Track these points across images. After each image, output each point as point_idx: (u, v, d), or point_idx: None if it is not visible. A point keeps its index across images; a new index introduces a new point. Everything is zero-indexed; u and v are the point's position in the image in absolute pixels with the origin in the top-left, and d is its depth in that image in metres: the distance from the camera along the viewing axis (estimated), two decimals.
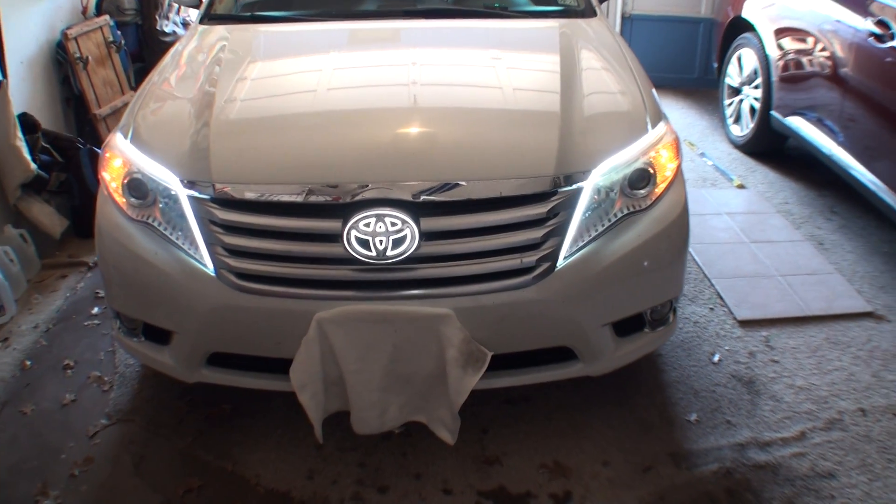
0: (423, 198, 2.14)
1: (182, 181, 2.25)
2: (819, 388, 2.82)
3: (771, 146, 4.83)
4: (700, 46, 6.15)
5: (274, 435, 2.59)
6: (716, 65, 5.35)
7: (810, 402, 2.76)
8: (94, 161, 3.88)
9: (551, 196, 2.22)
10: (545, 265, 2.21)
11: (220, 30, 3.17)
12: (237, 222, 2.20)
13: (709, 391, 2.81)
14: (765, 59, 4.55)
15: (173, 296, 2.28)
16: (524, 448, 2.54)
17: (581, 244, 2.26)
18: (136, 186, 2.35)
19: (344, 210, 2.15)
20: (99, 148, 4.00)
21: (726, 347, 3.04)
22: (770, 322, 3.19)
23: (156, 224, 2.32)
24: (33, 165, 3.58)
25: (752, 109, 4.83)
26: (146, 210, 2.34)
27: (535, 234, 2.20)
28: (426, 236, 2.15)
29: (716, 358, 2.98)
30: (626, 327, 2.44)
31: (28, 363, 3.00)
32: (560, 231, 2.23)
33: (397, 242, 2.13)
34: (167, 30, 4.98)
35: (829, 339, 3.10)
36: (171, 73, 2.88)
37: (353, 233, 2.12)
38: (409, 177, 2.16)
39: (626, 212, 2.33)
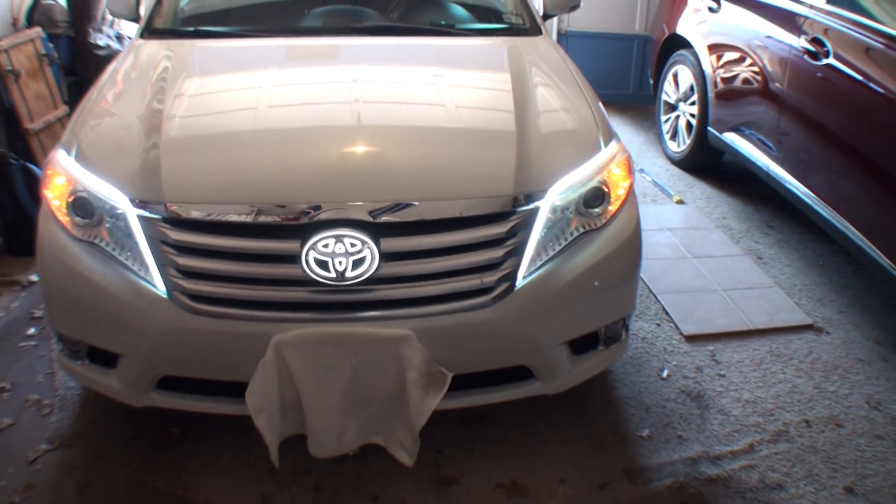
0: (383, 218, 2.11)
1: (132, 200, 2.18)
2: (765, 401, 2.89)
3: (707, 162, 4.96)
4: (635, 63, 6.28)
5: (225, 459, 2.52)
6: (651, 81, 5.47)
7: (757, 414, 2.82)
8: (27, 177, 3.73)
9: (510, 216, 2.22)
10: (504, 285, 2.21)
11: (161, 45, 3.09)
12: (191, 243, 2.13)
13: (659, 406, 2.84)
14: (701, 76, 4.66)
15: (122, 318, 2.20)
16: (480, 468, 2.52)
17: (539, 263, 2.26)
18: (82, 205, 2.26)
19: (302, 230, 2.11)
20: (31, 163, 3.87)
21: (674, 363, 3.09)
22: (715, 336, 3.26)
23: (102, 244, 2.23)
24: None
25: (689, 125, 4.94)
26: (92, 230, 2.25)
27: (495, 253, 2.20)
28: (386, 257, 2.13)
29: (665, 373, 3.03)
30: (581, 345, 2.46)
31: None
32: (518, 251, 2.23)
33: (357, 263, 2.10)
34: (101, 43, 4.83)
35: (772, 352, 3.18)
36: (113, 89, 2.78)
37: (312, 254, 2.08)
38: (366, 197, 2.13)
39: (581, 230, 2.34)
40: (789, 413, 2.83)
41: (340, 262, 2.08)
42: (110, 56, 4.70)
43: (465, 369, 2.27)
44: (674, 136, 5.20)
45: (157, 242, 2.15)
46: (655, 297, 3.53)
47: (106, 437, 2.60)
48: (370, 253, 2.09)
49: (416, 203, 2.14)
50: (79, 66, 4.85)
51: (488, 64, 3.10)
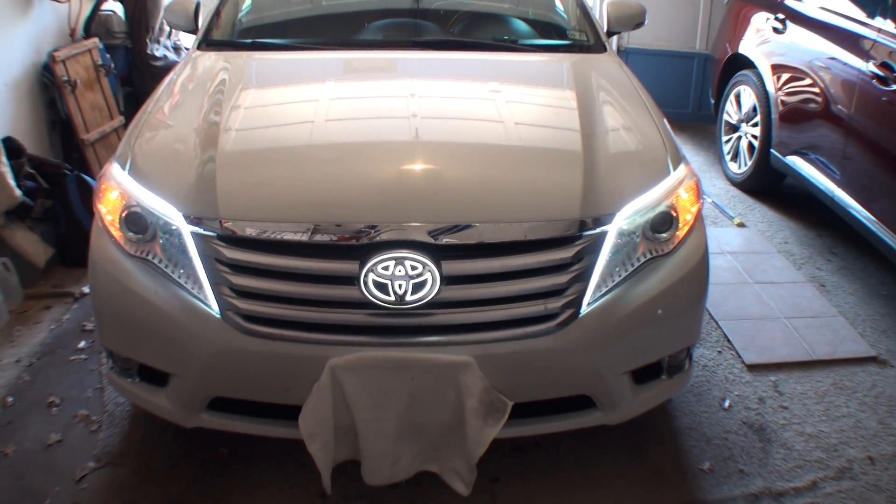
0: (444, 240, 2.03)
1: (186, 217, 2.12)
2: (828, 436, 2.75)
3: (769, 184, 4.80)
4: (694, 81, 6.14)
5: (275, 481, 2.45)
6: (713, 101, 5.32)
7: (820, 450, 2.69)
8: (82, 188, 3.72)
9: (576, 240, 2.12)
10: (569, 312, 2.11)
11: (218, 57, 3.05)
12: (246, 261, 2.07)
13: (721, 438, 2.72)
14: (764, 97, 4.52)
15: (174, 337, 2.14)
16: (536, 499, 2.42)
17: (604, 290, 2.16)
18: (135, 220, 2.21)
19: (361, 251, 2.04)
20: (86, 174, 3.86)
21: (736, 392, 2.96)
22: (777, 366, 3.12)
23: (155, 260, 2.18)
24: (18, 192, 3.43)
25: (751, 147, 4.80)
26: (145, 245, 2.20)
27: (560, 279, 2.10)
28: (447, 280, 2.04)
29: (726, 403, 2.90)
30: (644, 374, 2.35)
31: (10, 400, 2.83)
32: (584, 276, 2.13)
33: (417, 287, 2.01)
34: (158, 54, 4.84)
35: (835, 385, 3.03)
36: (169, 101, 2.75)
37: (371, 276, 2.00)
38: (425, 217, 2.06)
39: (648, 256, 2.24)
40: (853, 449, 2.70)
41: (400, 286, 2.00)
42: (167, 67, 4.72)
43: (526, 398, 2.18)
44: (735, 157, 5.05)
45: (210, 260, 2.10)
46: (717, 323, 3.39)
47: (154, 456, 2.55)
48: (431, 276, 2.01)
49: (479, 225, 2.06)
50: (136, 77, 4.87)
51: (552, 81, 3.01)
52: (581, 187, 2.19)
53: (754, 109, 4.70)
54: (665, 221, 2.27)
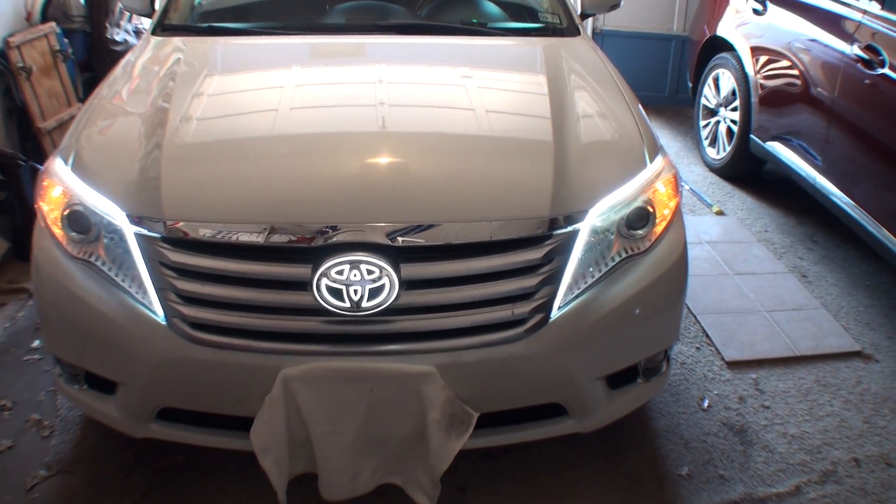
0: (404, 242, 1.87)
1: (129, 216, 1.95)
2: (812, 437, 2.63)
3: (748, 170, 4.65)
4: (672, 64, 5.96)
5: (232, 492, 2.30)
6: (690, 84, 5.16)
7: (804, 451, 2.57)
8: (37, 179, 3.52)
9: (546, 240, 1.97)
10: (538, 316, 1.96)
11: (174, 42, 2.87)
12: (192, 265, 1.91)
13: (699, 441, 2.59)
14: (744, 81, 4.36)
15: (119, 345, 1.98)
16: None
17: (577, 292, 2.01)
18: (77, 220, 2.04)
19: (313, 254, 1.87)
20: (42, 164, 3.65)
21: (715, 392, 2.83)
22: (758, 363, 2.99)
23: (99, 263, 2.01)
24: None
25: (730, 132, 4.65)
26: (88, 247, 2.03)
27: (529, 282, 1.95)
28: (406, 285, 1.88)
29: (705, 403, 2.77)
30: (619, 379, 2.20)
31: None
32: (554, 278, 1.98)
33: (374, 292, 1.85)
34: (118, 38, 4.61)
35: (819, 382, 2.91)
36: (116, 90, 2.56)
37: (325, 281, 1.84)
38: (386, 217, 1.89)
39: (624, 255, 2.09)
40: (837, 450, 2.58)
41: (356, 291, 1.84)
42: (127, 51, 4.47)
43: (493, 407, 2.04)
44: (713, 142, 4.90)
45: (155, 264, 1.93)
46: (695, 318, 3.26)
47: (107, 465, 2.39)
48: (389, 280, 1.85)
49: (442, 225, 1.90)
50: (95, 63, 4.64)
51: (523, 66, 2.84)
52: (551, 182, 2.03)
53: (733, 93, 4.54)
54: (641, 217, 2.12)
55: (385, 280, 1.85)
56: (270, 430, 1.90)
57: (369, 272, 1.84)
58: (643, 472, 2.45)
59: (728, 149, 4.62)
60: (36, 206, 2.18)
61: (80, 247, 2.04)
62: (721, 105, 4.73)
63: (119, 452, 2.43)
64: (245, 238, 1.88)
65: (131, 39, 4.66)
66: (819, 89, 3.68)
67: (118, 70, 2.71)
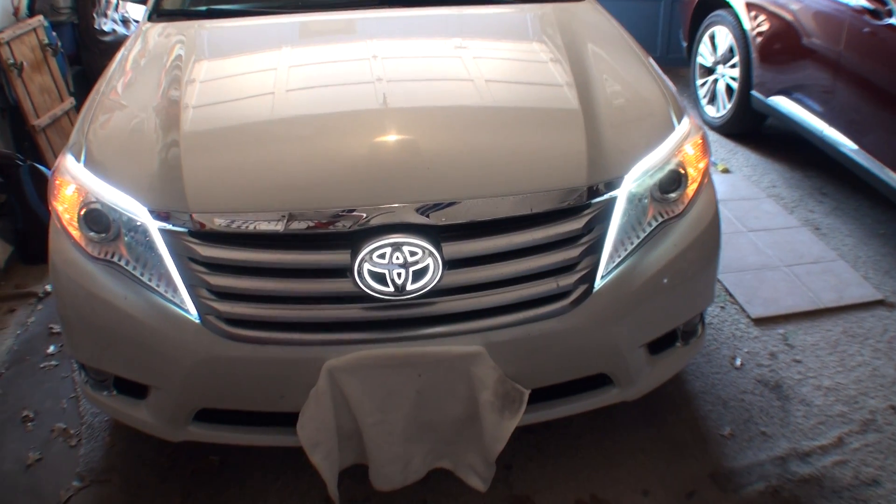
0: (444, 220, 1.76)
1: (151, 211, 1.82)
2: (847, 388, 2.57)
3: (750, 127, 4.53)
4: (662, 23, 5.78)
5: (273, 489, 2.20)
6: (685, 44, 5.03)
7: (841, 403, 2.51)
8: (36, 178, 3.38)
9: (585, 209, 1.87)
10: (582, 287, 1.87)
11: (172, 27, 2.71)
12: (224, 259, 1.79)
13: (737, 400, 2.52)
14: (742, 37, 4.24)
15: (150, 347, 1.86)
16: (555, 483, 2.21)
17: (617, 260, 1.92)
18: (96, 218, 1.91)
19: (351, 239, 1.76)
20: (40, 162, 3.51)
21: (746, 349, 2.75)
22: (784, 318, 2.92)
23: (122, 262, 1.88)
24: None
25: (729, 89, 4.53)
26: (109, 246, 1.90)
27: (571, 253, 1.85)
28: (449, 264, 1.78)
29: (738, 362, 2.69)
30: (659, 344, 2.12)
31: None
32: (596, 248, 1.88)
33: (418, 274, 1.75)
34: (106, 28, 4.41)
35: (846, 332, 2.84)
36: (122, 79, 2.41)
37: (366, 266, 1.73)
38: (424, 196, 1.78)
39: (660, 220, 1.99)
40: (873, 399, 2.52)
41: (399, 274, 1.73)
42: (117, 42, 4.32)
43: (541, 383, 1.95)
44: (711, 100, 4.77)
45: (184, 259, 1.81)
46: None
47: (141, 471, 2.28)
48: (433, 261, 1.74)
49: (480, 200, 1.79)
50: (84, 55, 4.44)
51: (532, 33, 2.70)
52: (585, 150, 1.93)
53: (731, 50, 4.42)
54: (674, 180, 2.02)
55: (428, 261, 1.74)
56: (318, 424, 1.80)
57: (412, 254, 1.73)
58: (685, 435, 2.38)
59: (728, 106, 4.51)
60: (49, 206, 2.05)
61: (99, 247, 1.91)
62: (718, 63, 4.60)
63: (151, 457, 2.32)
64: (278, 227, 1.76)
65: (120, 29, 4.46)
66: (824, 42, 3.56)
67: (118, 61, 2.55)
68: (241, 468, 2.27)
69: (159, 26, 2.75)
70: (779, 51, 3.96)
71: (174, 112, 2.06)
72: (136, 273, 1.86)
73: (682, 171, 2.04)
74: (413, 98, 2.17)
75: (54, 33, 4.01)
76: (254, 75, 2.36)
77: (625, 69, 2.39)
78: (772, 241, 3.43)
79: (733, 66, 4.40)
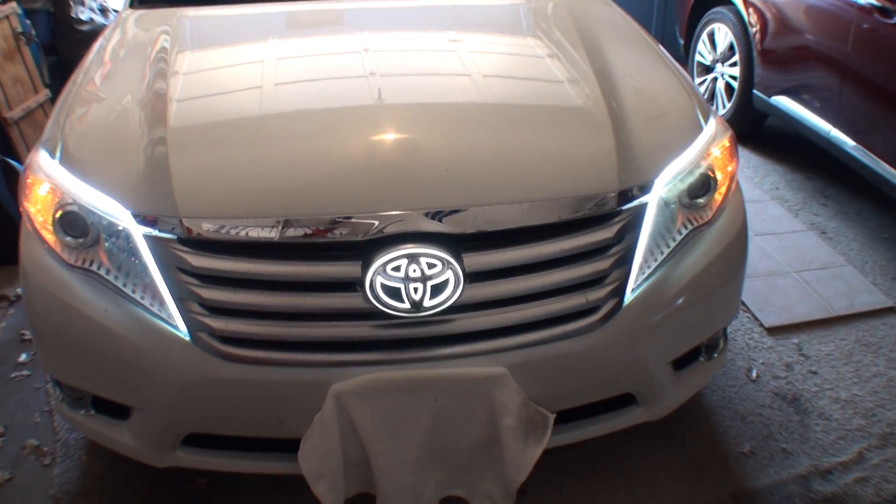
0: (465, 228, 1.56)
1: (135, 215, 1.60)
2: (864, 400, 2.43)
3: (750, 127, 4.34)
4: (655, 20, 5.59)
5: None
6: (682, 41, 4.84)
7: (859, 416, 2.36)
8: (8, 174, 3.11)
9: (616, 216, 1.68)
10: (612, 302, 1.68)
11: (156, 14, 2.48)
12: (218, 270, 1.57)
13: (755, 414, 2.36)
14: (744, 35, 4.05)
15: (133, 365, 1.64)
16: None
17: (647, 272, 1.74)
18: (72, 222, 1.68)
19: (362, 249, 1.55)
20: (11, 157, 3.24)
21: (761, 360, 2.59)
22: (797, 327, 2.76)
23: (102, 271, 1.66)
24: None
25: (729, 88, 4.35)
26: (86, 252, 1.68)
27: (601, 264, 1.66)
28: (470, 278, 1.57)
29: (753, 374, 2.53)
30: (683, 360, 1.94)
31: None
32: (626, 259, 1.70)
33: (436, 289, 1.54)
34: (83, 17, 4.13)
35: (859, 342, 2.70)
36: (101, 70, 2.18)
37: (379, 279, 1.52)
38: (442, 202, 1.58)
39: (689, 227, 1.81)
40: (890, 412, 2.39)
41: (416, 289, 1.53)
42: (94, 32, 4.05)
43: (564, 405, 1.76)
44: (710, 99, 4.57)
45: (172, 269, 1.59)
46: None
47: (121, 494, 2.06)
48: (453, 274, 1.54)
49: (504, 206, 1.59)
50: (60, 45, 4.15)
51: (546, 26, 2.47)
52: (615, 152, 1.74)
53: (731, 48, 4.24)
54: (703, 185, 1.84)
55: (448, 274, 1.53)
56: (323, 453, 1.59)
57: (430, 266, 1.52)
58: (705, 453, 2.21)
59: (728, 105, 4.32)
60: (21, 206, 1.81)
61: (76, 253, 1.69)
62: (718, 61, 4.42)
63: (132, 478, 2.10)
64: (277, 234, 1.55)
65: (98, 18, 4.18)
66: (829, 40, 3.40)
67: (97, 50, 2.31)
68: (231, 492, 2.05)
69: (141, 13, 2.52)
70: (782, 50, 3.78)
71: (160, 106, 1.83)
72: (118, 283, 1.64)
73: (712, 175, 1.85)
74: (426, 95, 1.97)
75: (28, 21, 3.72)
76: (245, 67, 2.14)
77: (646, 65, 2.20)
78: (779, 245, 3.26)
79: (733, 64, 4.22)
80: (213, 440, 1.75)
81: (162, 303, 1.60)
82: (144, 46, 2.22)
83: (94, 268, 1.67)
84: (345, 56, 2.17)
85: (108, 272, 1.65)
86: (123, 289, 1.63)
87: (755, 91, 3.99)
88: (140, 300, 1.62)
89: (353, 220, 1.54)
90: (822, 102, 3.51)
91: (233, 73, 2.10)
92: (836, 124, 3.42)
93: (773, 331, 2.74)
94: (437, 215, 1.55)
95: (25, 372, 2.53)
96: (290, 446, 1.66)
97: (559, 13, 2.50)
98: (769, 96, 3.88)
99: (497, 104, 1.92)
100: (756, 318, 2.78)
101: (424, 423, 1.60)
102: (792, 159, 4.19)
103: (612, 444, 2.21)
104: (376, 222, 1.53)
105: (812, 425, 2.33)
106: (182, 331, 1.59)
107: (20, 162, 3.25)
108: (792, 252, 3.22)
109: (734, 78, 4.23)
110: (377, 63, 2.06)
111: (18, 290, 2.93)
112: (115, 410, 1.79)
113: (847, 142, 3.34)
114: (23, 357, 2.60)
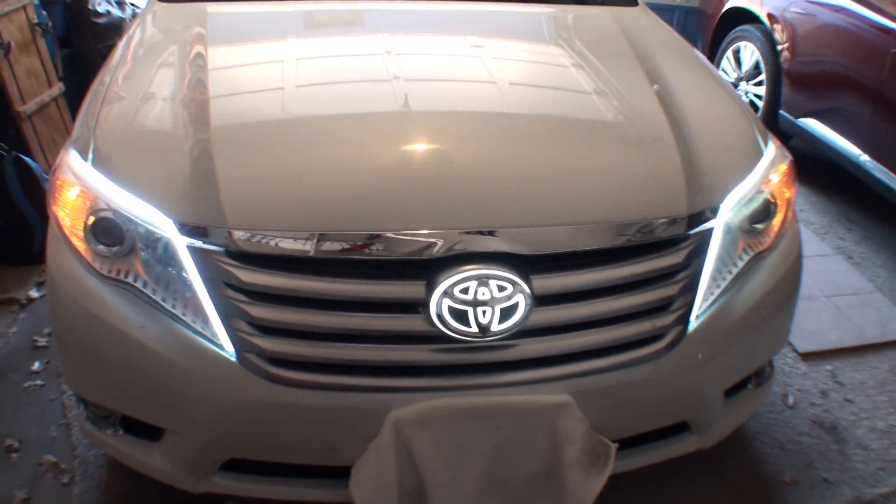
0: (537, 249, 1.46)
1: (178, 225, 1.49)
2: None
3: None
4: None
5: None
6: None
7: None
8: (21, 171, 2.98)
9: (685, 240, 1.59)
10: (677, 329, 1.59)
11: (189, 8, 2.36)
12: (269, 286, 1.46)
13: (794, 443, 2.29)
14: (772, 54, 3.97)
15: (171, 387, 1.52)
16: None
17: (711, 299, 1.65)
18: (106, 229, 1.56)
19: (426, 269, 1.45)
20: (25, 153, 3.10)
21: (796, 387, 2.51)
22: (831, 353, 2.70)
23: (138, 283, 1.53)
24: None
25: (754, 107, 4.27)
26: (121, 262, 1.55)
27: (669, 290, 1.58)
28: (537, 301, 1.47)
29: (790, 400, 2.45)
30: (733, 387, 1.85)
31: None
32: (692, 285, 1.61)
33: (505, 312, 1.44)
34: (100, 9, 3.97)
35: (892, 371, 2.64)
36: (134, 66, 2.05)
37: (446, 301, 1.42)
38: (514, 220, 1.48)
39: (749, 254, 1.73)
40: None
41: (484, 312, 1.42)
42: (111, 24, 3.91)
43: (623, 434, 1.67)
44: None
45: (218, 284, 1.48)
46: None
47: None
48: (523, 297, 1.44)
49: (574, 227, 1.50)
50: (75, 37, 3.98)
51: (603, 43, 2.34)
52: (683, 173, 1.65)
53: (756, 67, 4.16)
54: (764, 210, 1.76)
55: (518, 297, 1.43)
56: (379, 484, 1.48)
57: (500, 288, 1.42)
58: (747, 481, 2.14)
59: None
60: (49, 210, 1.69)
61: (110, 263, 1.56)
62: (742, 79, 4.35)
63: (158, 499, 1.97)
64: (339, 249, 1.44)
65: (115, 11, 4.03)
66: (864, 67, 3.31)
67: (125, 45, 2.19)
68: None
69: (172, 6, 2.40)
70: (812, 71, 3.70)
71: (203, 106, 1.72)
72: (156, 297, 1.52)
73: (773, 201, 1.77)
74: (506, 104, 1.87)
75: (44, 12, 3.58)
76: (294, 64, 2.02)
77: (702, 84, 2.12)
78: (808, 269, 3.13)
79: (758, 83, 4.15)
80: (251, 465, 1.63)
81: (206, 320, 1.48)
82: (178, 41, 2.11)
83: (129, 279, 1.54)
84: (377, 58, 2.06)
85: (144, 284, 1.53)
86: (163, 303, 1.51)
87: (781, 111, 3.92)
88: (181, 316, 1.50)
89: (420, 236, 1.43)
90: (853, 127, 3.43)
91: (273, 71, 1.98)
92: (866, 150, 3.35)
93: (807, 356, 2.66)
94: (507, 235, 1.45)
95: (39, 382, 2.39)
96: (334, 472, 1.56)
97: (607, 25, 2.41)
98: (796, 117, 3.81)
99: (561, 118, 1.85)
100: (790, 343, 2.71)
101: (485, 452, 1.50)
102: (815, 182, 4.12)
103: (653, 472, 2.08)
104: (441, 241, 1.43)
105: (851, 455, 2.26)
106: (228, 350, 1.47)
107: (33, 158, 3.12)
108: (821, 277, 3.15)
109: (759, 97, 4.16)
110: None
111: (31, 293, 2.80)
112: (147, 432, 1.66)
113: (878, 167, 3.27)
114: (36, 365, 2.46)
